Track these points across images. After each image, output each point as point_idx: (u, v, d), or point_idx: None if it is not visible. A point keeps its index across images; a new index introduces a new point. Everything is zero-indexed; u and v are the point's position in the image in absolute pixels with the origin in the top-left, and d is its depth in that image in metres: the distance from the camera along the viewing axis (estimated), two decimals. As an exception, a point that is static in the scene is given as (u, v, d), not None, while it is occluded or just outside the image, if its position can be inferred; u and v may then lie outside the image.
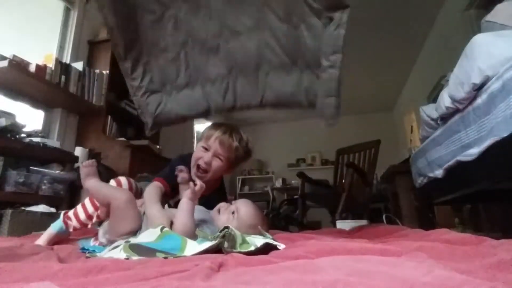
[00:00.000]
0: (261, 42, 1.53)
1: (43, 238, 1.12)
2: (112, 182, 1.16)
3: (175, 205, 1.27)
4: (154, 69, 1.70)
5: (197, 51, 1.62)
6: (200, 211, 1.04)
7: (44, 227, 1.22)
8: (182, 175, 1.20)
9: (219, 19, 1.52)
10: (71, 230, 1.15)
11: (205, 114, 1.78)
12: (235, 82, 1.65)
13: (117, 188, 1.11)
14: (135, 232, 0.97)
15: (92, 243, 1.09)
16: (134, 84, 1.72)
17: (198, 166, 1.20)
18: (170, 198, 1.27)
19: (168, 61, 1.66)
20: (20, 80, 2.03)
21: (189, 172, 1.23)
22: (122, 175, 1.27)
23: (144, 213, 1.04)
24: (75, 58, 2.63)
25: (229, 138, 1.20)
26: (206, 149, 1.21)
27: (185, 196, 0.96)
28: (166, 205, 1.20)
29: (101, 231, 1.05)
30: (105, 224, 1.05)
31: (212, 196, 1.24)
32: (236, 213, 0.99)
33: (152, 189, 1.14)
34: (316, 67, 1.44)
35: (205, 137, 1.22)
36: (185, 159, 1.30)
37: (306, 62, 1.51)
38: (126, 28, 1.55)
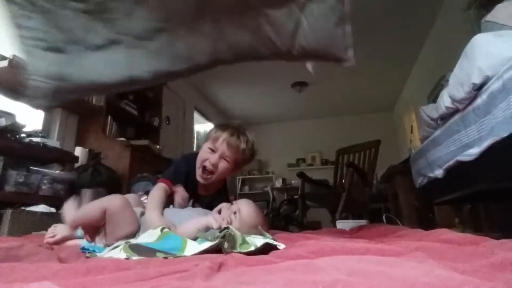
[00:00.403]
0: None
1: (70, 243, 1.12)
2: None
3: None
4: (58, 19, 1.26)
5: (128, 2, 1.24)
6: (201, 213, 1.04)
7: (44, 227, 1.22)
8: (178, 196, 1.20)
9: None
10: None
11: (126, 85, 1.35)
12: (173, 39, 1.25)
13: (108, 196, 1.09)
14: (133, 235, 0.97)
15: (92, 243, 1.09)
16: (25, 34, 1.28)
17: (204, 168, 1.20)
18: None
19: (80, 12, 1.25)
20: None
21: (187, 186, 1.23)
22: (122, 175, 1.27)
23: (141, 214, 1.04)
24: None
25: (237, 140, 1.20)
26: (213, 151, 1.20)
27: (207, 222, 0.95)
28: (171, 206, 1.20)
29: (97, 238, 1.05)
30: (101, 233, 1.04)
31: (215, 196, 1.25)
32: (238, 214, 0.99)
33: (157, 193, 1.13)
34: (291, 2, 1.09)
35: (213, 139, 1.21)
36: (189, 159, 1.30)
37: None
38: None
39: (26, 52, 1.29)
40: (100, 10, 1.23)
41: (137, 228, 0.98)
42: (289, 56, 1.15)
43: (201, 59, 1.25)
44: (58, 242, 1.13)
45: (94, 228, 1.05)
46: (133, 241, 0.82)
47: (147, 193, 1.31)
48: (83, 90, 1.37)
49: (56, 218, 1.19)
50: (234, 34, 1.19)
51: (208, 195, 1.28)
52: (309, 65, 1.14)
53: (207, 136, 1.28)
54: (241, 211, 0.99)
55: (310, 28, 1.09)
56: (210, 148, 1.21)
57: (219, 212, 1.03)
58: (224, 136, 1.19)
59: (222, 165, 1.19)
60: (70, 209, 1.04)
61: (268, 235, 0.91)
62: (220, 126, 1.27)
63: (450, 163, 1.34)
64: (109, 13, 1.23)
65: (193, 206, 1.27)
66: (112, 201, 0.98)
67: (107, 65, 1.28)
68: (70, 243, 1.13)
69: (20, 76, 1.30)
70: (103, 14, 1.24)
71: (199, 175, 1.21)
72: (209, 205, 1.12)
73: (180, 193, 1.20)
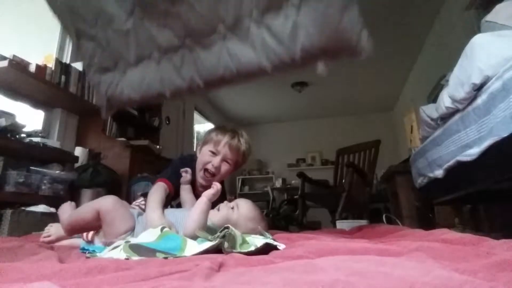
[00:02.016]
0: None
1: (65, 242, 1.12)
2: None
3: (178, 206, 1.28)
4: (102, 43, 1.45)
5: (146, 17, 1.34)
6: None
7: (44, 227, 1.22)
8: (186, 176, 1.22)
9: None
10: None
11: (159, 97, 1.46)
12: (190, 54, 1.30)
13: (100, 197, 1.10)
14: (130, 231, 0.97)
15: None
16: (85, 62, 1.53)
17: (206, 170, 1.22)
18: (173, 199, 1.28)
19: (116, 31, 1.40)
20: (20, 80, 2.03)
21: (193, 174, 1.25)
22: (122, 175, 1.28)
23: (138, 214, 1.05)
24: (75, 58, 2.63)
25: (238, 143, 1.24)
26: (214, 154, 1.22)
27: (206, 196, 0.96)
28: (169, 206, 1.21)
29: (96, 238, 1.05)
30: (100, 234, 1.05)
31: None
32: (236, 208, 1.02)
33: (157, 192, 1.13)
34: (287, 5, 1.05)
35: (214, 142, 1.24)
36: (186, 160, 1.32)
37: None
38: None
39: (90, 76, 1.55)
40: (130, 28, 1.38)
41: (134, 224, 0.99)
42: (293, 65, 1.09)
43: (212, 77, 1.27)
44: (53, 242, 1.13)
45: (90, 230, 1.05)
46: (133, 241, 0.82)
47: (144, 195, 1.32)
48: (124, 104, 1.59)
49: (56, 218, 1.19)
50: (240, 51, 1.18)
51: None
52: (320, 66, 1.04)
53: (205, 139, 1.30)
54: (239, 206, 1.03)
55: (312, 25, 1.01)
56: (211, 151, 1.23)
57: (218, 210, 1.05)
58: (225, 139, 1.22)
59: (224, 167, 1.22)
60: (64, 213, 1.04)
61: (268, 234, 0.91)
62: (219, 129, 1.29)
63: (450, 163, 1.34)
64: (141, 29, 1.36)
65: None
66: (104, 201, 0.99)
67: (140, 80, 1.43)
68: (66, 242, 1.13)
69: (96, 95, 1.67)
70: (139, 31, 1.37)
71: (201, 177, 1.23)
72: None
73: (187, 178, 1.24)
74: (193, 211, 0.95)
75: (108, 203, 0.98)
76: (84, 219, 0.99)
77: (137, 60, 1.41)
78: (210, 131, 1.32)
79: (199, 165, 1.25)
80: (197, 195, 1.28)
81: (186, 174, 1.23)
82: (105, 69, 1.49)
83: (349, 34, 0.98)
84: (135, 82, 1.44)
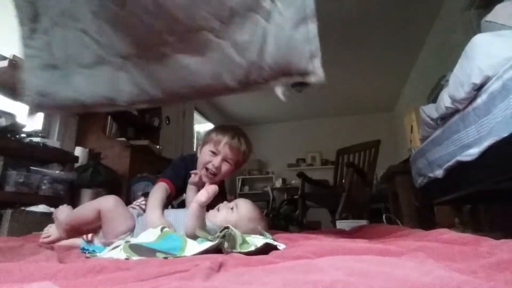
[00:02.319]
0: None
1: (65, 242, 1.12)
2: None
3: (179, 206, 1.29)
4: (58, 40, 1.34)
5: (108, 22, 1.23)
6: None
7: (44, 227, 1.22)
8: (195, 177, 1.22)
9: None
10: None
11: (110, 105, 1.30)
12: (147, 64, 1.21)
13: (100, 197, 1.10)
14: (130, 231, 0.97)
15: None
16: (28, 54, 1.38)
17: (207, 170, 1.22)
18: (173, 199, 1.29)
19: (77, 32, 1.30)
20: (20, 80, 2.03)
21: (184, 186, 1.25)
22: (122, 175, 1.28)
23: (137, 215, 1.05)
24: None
25: (238, 143, 1.23)
26: (215, 154, 1.22)
27: (196, 202, 0.95)
28: (169, 206, 1.21)
29: (96, 239, 1.06)
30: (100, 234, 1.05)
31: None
32: (235, 208, 1.02)
33: (157, 192, 1.14)
34: (254, 12, 0.92)
35: (214, 142, 1.23)
36: (187, 160, 1.33)
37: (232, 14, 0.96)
38: None
39: (25, 69, 1.36)
40: (94, 29, 1.24)
41: (133, 224, 1.00)
42: (259, 82, 0.96)
43: (171, 91, 1.15)
44: (53, 242, 1.13)
45: (88, 232, 1.05)
46: (133, 240, 0.82)
47: (144, 195, 1.32)
48: (63, 107, 1.39)
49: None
50: (196, 64, 1.05)
51: None
52: (278, 90, 0.92)
53: (205, 139, 1.29)
54: (238, 206, 1.03)
55: (274, 38, 0.90)
56: (211, 151, 1.22)
57: (218, 210, 1.05)
58: (226, 139, 1.21)
59: (225, 167, 1.22)
60: (62, 213, 1.05)
61: (268, 234, 0.91)
62: (220, 129, 1.29)
63: (450, 163, 1.34)
64: (99, 33, 1.24)
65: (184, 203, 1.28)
66: (105, 201, 1.00)
67: (90, 84, 1.29)
68: (65, 242, 1.13)
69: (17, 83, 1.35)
70: (101, 36, 1.24)
71: (203, 175, 1.23)
72: (208, 205, 1.13)
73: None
74: (187, 218, 0.94)
75: (109, 202, 0.98)
76: (84, 218, 0.99)
77: (93, 63, 1.30)
78: (210, 131, 1.32)
79: (200, 165, 1.25)
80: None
81: (194, 176, 1.23)
82: (50, 66, 1.34)
83: (300, 53, 0.87)
84: (82, 85, 1.31)
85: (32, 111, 1.39)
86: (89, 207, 1.01)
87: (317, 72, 0.88)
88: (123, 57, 1.25)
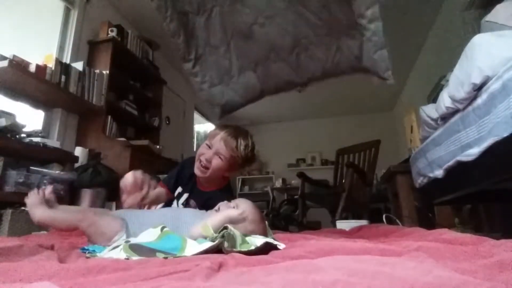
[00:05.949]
0: (296, 16, 1.70)
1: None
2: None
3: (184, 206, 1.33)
4: (211, 66, 1.97)
5: (240, 40, 1.86)
6: (196, 214, 1.04)
7: (44, 227, 1.22)
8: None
9: (252, 8, 1.74)
10: None
11: (259, 97, 2.12)
12: (274, 64, 1.92)
13: (74, 210, 1.06)
14: (120, 231, 0.94)
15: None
16: (197, 81, 2.02)
17: (200, 162, 1.24)
18: (175, 198, 1.34)
19: (220, 55, 1.93)
20: (20, 80, 2.03)
21: (187, 184, 1.33)
22: (122, 175, 1.28)
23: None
24: (75, 58, 2.63)
25: (233, 140, 1.22)
26: (209, 147, 1.24)
27: (226, 213, 0.97)
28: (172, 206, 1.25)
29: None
30: None
31: (216, 193, 1.25)
32: (236, 208, 1.01)
33: None
34: (353, 29, 1.57)
35: (210, 136, 1.27)
36: (187, 163, 1.38)
37: (341, 27, 1.64)
38: (185, 32, 1.82)
39: (202, 90, 2.07)
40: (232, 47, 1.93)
41: (120, 224, 0.95)
42: (360, 70, 1.74)
43: (294, 80, 2.06)
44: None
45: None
46: (133, 240, 0.82)
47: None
48: (236, 107, 2.24)
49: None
50: (323, 55, 1.84)
51: (208, 191, 1.30)
52: (375, 80, 1.68)
53: (208, 134, 1.35)
54: (239, 207, 1.00)
55: (366, 48, 1.58)
56: (207, 145, 1.25)
57: (218, 210, 1.04)
58: (221, 134, 1.23)
59: (216, 161, 1.21)
60: (38, 208, 0.98)
61: (270, 232, 0.91)
62: (221, 125, 1.31)
63: (450, 163, 1.34)
64: (237, 50, 1.93)
65: (187, 202, 1.30)
66: (80, 216, 0.96)
67: (240, 88, 2.08)
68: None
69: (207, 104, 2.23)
70: (237, 51, 1.94)
71: (196, 167, 1.25)
72: (209, 201, 1.13)
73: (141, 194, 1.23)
74: (195, 228, 0.93)
75: (88, 219, 0.94)
76: (60, 226, 0.98)
77: (239, 71, 1.99)
78: (215, 127, 1.37)
79: (196, 156, 1.28)
80: (198, 187, 1.33)
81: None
82: (214, 85, 2.06)
83: (380, 67, 1.70)
84: (239, 89, 2.05)
85: (222, 116, 2.23)
86: (65, 220, 0.97)
87: (389, 79, 1.65)
88: (255, 61, 1.97)
